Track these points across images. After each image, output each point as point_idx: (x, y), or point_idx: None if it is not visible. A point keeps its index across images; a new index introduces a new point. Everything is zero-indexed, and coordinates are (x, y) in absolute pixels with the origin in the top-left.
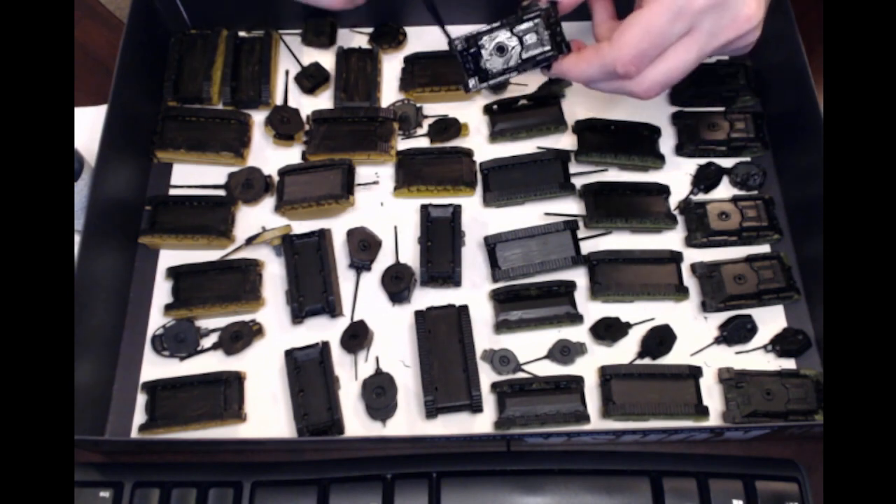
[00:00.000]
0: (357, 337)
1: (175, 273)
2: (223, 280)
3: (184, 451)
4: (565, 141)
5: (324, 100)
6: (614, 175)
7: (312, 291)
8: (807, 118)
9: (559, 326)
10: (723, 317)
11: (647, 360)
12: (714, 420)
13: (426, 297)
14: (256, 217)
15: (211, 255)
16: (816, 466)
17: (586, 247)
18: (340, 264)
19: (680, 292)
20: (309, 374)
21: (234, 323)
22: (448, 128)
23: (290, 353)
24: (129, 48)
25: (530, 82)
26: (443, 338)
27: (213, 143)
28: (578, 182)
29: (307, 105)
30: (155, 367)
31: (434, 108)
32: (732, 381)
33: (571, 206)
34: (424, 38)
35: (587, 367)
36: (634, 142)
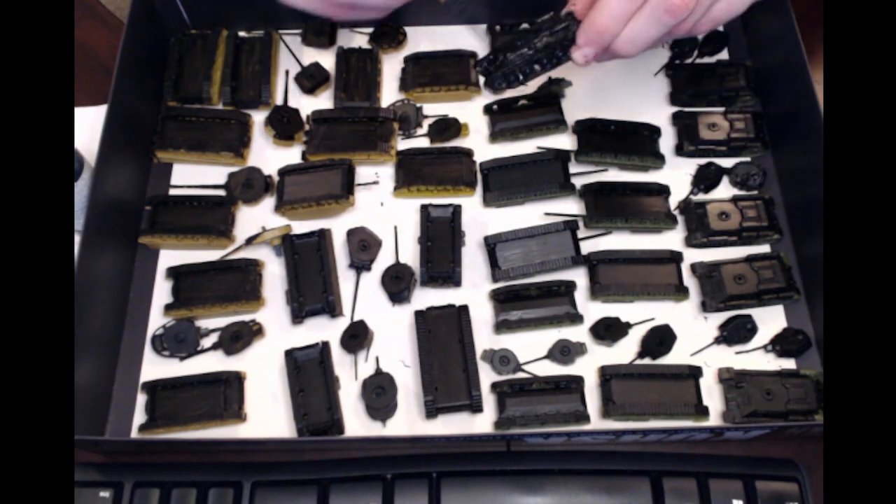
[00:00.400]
0: (357, 337)
1: (175, 273)
2: (223, 280)
3: (184, 451)
4: (565, 141)
5: (324, 100)
6: (614, 175)
7: (312, 291)
8: (807, 118)
9: (559, 326)
10: (723, 317)
11: (647, 360)
12: (714, 420)
13: (426, 297)
14: (256, 217)
15: (211, 255)
16: (816, 466)
17: (586, 247)
18: (340, 264)
19: (680, 292)
20: (309, 374)
21: (234, 323)
22: (448, 128)
23: (290, 353)
24: (129, 48)
25: (530, 82)
26: (443, 338)
27: (213, 143)
28: (578, 182)
29: (307, 105)
30: (155, 367)
31: (434, 108)
32: (732, 381)
33: (571, 206)
34: (424, 38)
35: (587, 367)
36: (634, 142)
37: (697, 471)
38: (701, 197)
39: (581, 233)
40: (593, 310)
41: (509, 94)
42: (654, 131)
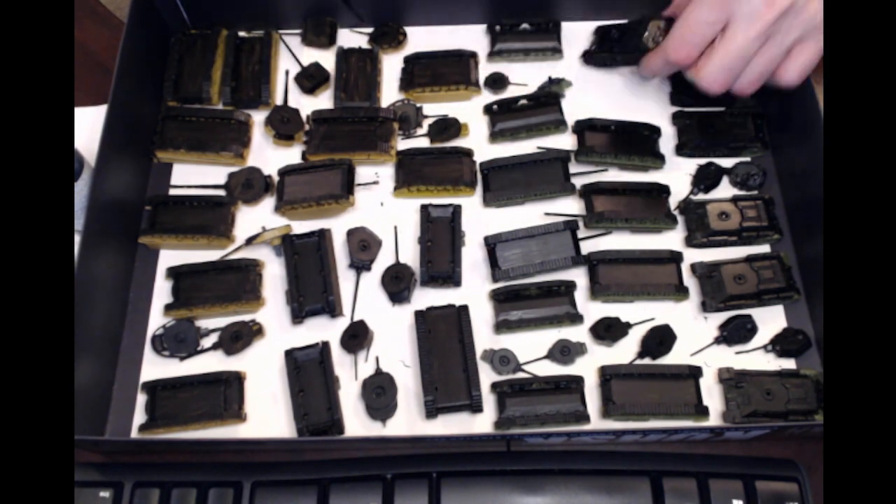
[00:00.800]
0: (357, 337)
1: (175, 273)
2: (223, 280)
3: (184, 451)
4: (565, 141)
5: (324, 100)
6: (614, 175)
7: (312, 291)
8: (807, 118)
9: (559, 326)
10: (723, 317)
11: (647, 360)
12: (714, 420)
13: (426, 297)
14: (256, 217)
15: (211, 255)
16: (816, 466)
17: (586, 247)
18: (340, 264)
19: (680, 292)
20: (309, 374)
21: (234, 323)
22: (448, 128)
23: (290, 353)
24: (129, 48)
25: (530, 82)
26: (443, 338)
27: (213, 143)
28: (578, 182)
29: (307, 105)
30: (155, 367)
31: (434, 108)
32: (732, 381)
33: (571, 206)
34: (424, 38)
35: (587, 367)
36: (634, 142)
37: (697, 471)
38: (701, 197)
39: (581, 233)
40: (593, 310)
41: (509, 93)
42: (654, 131)
